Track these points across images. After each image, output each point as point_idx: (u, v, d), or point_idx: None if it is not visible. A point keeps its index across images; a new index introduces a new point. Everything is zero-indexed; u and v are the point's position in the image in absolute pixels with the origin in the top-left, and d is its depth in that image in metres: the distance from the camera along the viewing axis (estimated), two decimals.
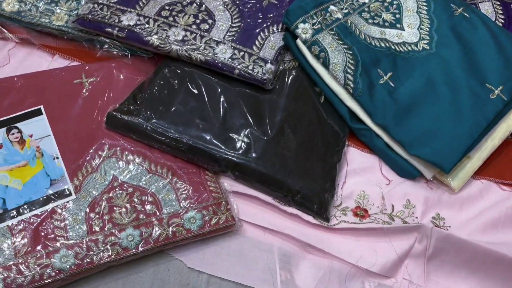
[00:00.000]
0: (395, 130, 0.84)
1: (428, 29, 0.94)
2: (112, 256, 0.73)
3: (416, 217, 0.82)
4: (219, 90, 0.87)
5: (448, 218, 0.83)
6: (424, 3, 0.97)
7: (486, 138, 0.87)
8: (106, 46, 0.91)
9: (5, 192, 0.76)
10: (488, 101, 0.86)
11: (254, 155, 0.82)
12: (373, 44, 0.91)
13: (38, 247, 0.72)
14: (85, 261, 0.72)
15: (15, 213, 0.74)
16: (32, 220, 0.74)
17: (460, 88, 0.87)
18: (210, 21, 0.92)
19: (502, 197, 0.86)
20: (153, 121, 0.82)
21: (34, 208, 0.75)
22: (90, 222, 0.75)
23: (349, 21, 0.91)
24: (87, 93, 0.87)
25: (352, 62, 0.87)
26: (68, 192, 0.77)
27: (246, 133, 0.84)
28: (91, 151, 0.81)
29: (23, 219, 0.74)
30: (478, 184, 0.88)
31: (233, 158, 0.81)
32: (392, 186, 0.86)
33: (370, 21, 0.94)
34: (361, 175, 0.87)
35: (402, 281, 0.80)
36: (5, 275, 0.69)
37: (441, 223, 0.82)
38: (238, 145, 0.82)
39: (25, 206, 0.75)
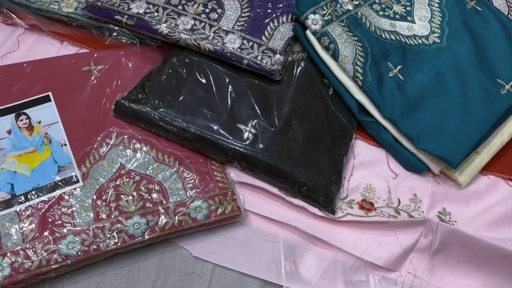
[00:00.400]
0: (403, 124, 0.84)
1: (439, 22, 0.93)
2: (119, 244, 0.73)
3: (422, 212, 0.82)
4: (227, 80, 0.87)
5: (455, 213, 0.83)
6: None
7: (495, 133, 0.86)
8: (115, 33, 0.91)
9: (13, 178, 0.76)
10: (498, 96, 0.85)
11: (261, 146, 0.82)
12: (383, 36, 0.90)
13: (46, 233, 0.72)
14: (91, 247, 0.72)
15: (23, 198, 0.75)
16: (39, 206, 0.74)
17: (470, 83, 0.87)
18: (219, 10, 0.91)
19: (510, 193, 0.86)
20: (161, 110, 0.82)
21: (41, 194, 0.75)
22: (97, 209, 0.75)
23: (359, 13, 0.91)
24: (95, 81, 0.87)
25: (361, 54, 0.87)
26: (75, 179, 0.77)
27: (253, 124, 0.84)
28: (98, 138, 0.81)
29: (31, 205, 0.74)
30: (486, 180, 0.87)
31: (240, 149, 0.81)
32: (399, 179, 0.86)
33: (380, 13, 0.93)
34: (368, 168, 0.87)
35: (407, 275, 0.80)
36: (13, 260, 0.70)
37: (447, 218, 0.82)
38: (245, 135, 0.82)
39: (33, 192, 0.75)
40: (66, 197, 0.76)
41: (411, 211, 0.82)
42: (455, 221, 0.81)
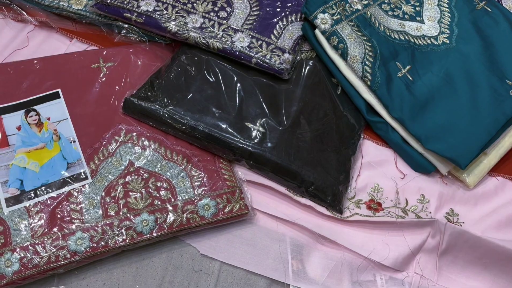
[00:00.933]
0: (411, 124, 0.84)
1: (448, 23, 0.93)
2: (127, 240, 0.74)
3: (430, 212, 0.82)
4: (236, 78, 0.87)
5: (462, 214, 0.82)
6: None
7: (503, 135, 0.86)
8: (124, 31, 0.91)
9: (23, 173, 0.76)
10: (507, 97, 0.85)
11: (269, 144, 0.82)
12: (393, 36, 0.90)
13: (55, 229, 0.73)
14: (100, 244, 0.73)
15: (32, 194, 0.75)
16: (49, 202, 0.75)
17: (479, 84, 0.86)
18: (228, 8, 0.91)
19: None
20: (170, 107, 0.82)
21: (51, 191, 0.76)
22: (106, 206, 0.76)
23: (368, 13, 0.90)
24: (104, 78, 0.87)
25: (370, 54, 0.86)
26: (84, 176, 0.78)
27: (261, 122, 0.84)
28: (107, 135, 0.82)
29: (40, 201, 0.75)
30: (494, 181, 0.87)
31: (248, 147, 0.81)
32: (407, 180, 0.85)
33: (390, 13, 0.93)
34: (376, 168, 0.87)
35: (414, 275, 0.80)
36: (22, 255, 0.70)
37: (454, 219, 0.82)
38: (254, 134, 0.82)
39: (42, 188, 0.76)
40: (75, 194, 0.76)
41: (419, 212, 0.82)
42: (463, 222, 0.81)
